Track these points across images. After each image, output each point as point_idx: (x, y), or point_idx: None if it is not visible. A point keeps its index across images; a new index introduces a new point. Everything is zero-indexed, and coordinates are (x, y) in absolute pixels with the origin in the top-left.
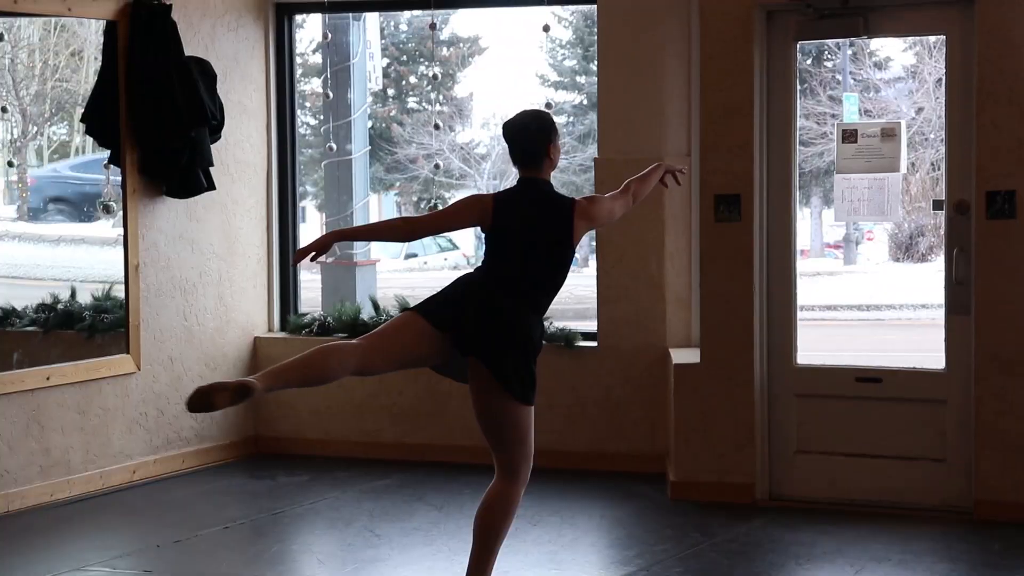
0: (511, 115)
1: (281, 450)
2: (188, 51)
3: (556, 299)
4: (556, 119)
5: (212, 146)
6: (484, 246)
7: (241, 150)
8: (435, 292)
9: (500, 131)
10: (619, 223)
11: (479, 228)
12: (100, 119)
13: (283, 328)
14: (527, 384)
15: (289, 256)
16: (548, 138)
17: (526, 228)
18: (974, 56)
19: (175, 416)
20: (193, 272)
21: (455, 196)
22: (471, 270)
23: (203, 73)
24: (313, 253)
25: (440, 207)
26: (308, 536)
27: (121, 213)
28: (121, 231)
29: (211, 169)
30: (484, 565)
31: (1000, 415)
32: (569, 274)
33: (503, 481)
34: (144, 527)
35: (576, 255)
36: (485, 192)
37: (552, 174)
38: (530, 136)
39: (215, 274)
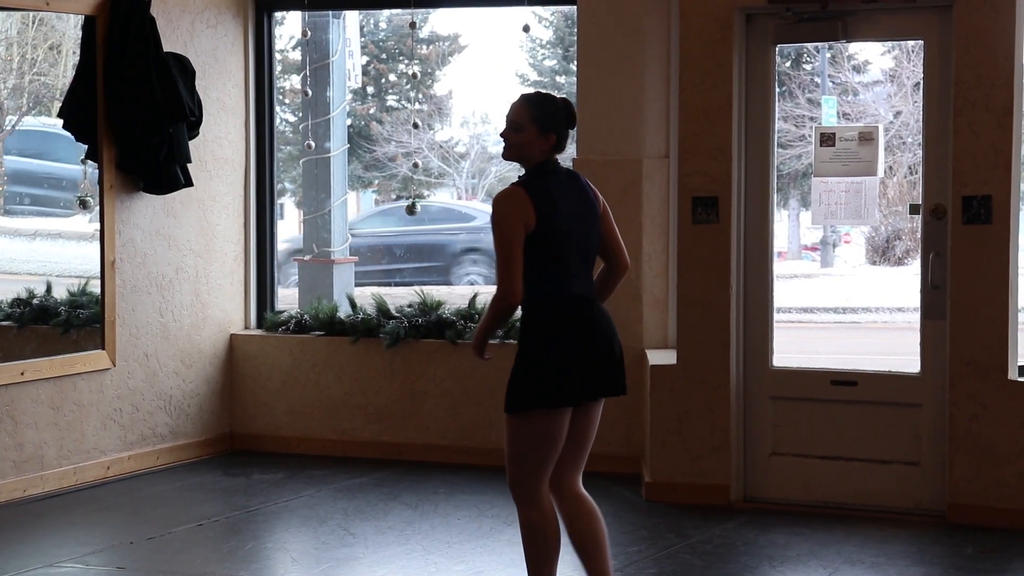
0: (551, 95)
1: (256, 447)
2: (167, 47)
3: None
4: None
5: (190, 142)
6: (527, 253)
7: (219, 146)
8: (540, 371)
9: (483, 127)
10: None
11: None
12: (78, 114)
13: (259, 325)
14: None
15: (267, 252)
16: None
17: (575, 218)
18: (952, 61)
19: (150, 412)
20: (170, 268)
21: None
22: (535, 302)
23: (182, 69)
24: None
25: (418, 206)
26: (282, 534)
27: (98, 208)
28: (98, 226)
29: (189, 165)
30: (609, 568)
31: (974, 419)
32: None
33: (579, 487)
34: (118, 523)
35: None
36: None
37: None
38: None
39: (192, 270)
